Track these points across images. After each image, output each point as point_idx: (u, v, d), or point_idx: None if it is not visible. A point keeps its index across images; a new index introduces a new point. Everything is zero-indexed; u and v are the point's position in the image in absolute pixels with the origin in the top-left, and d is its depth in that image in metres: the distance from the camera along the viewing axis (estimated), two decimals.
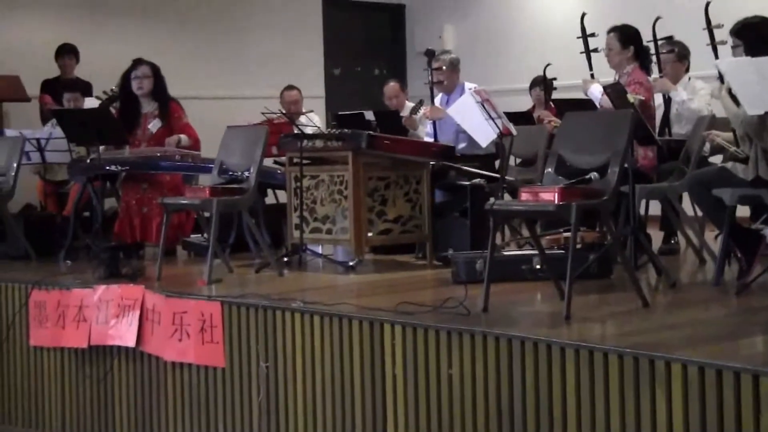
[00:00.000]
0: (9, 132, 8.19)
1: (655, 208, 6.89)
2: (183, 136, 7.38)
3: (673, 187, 6.06)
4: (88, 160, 7.13)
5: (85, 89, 8.71)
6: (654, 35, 6.75)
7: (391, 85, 8.84)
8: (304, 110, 8.97)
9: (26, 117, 9.28)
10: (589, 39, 6.62)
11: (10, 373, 6.34)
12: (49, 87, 9.32)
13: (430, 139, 7.47)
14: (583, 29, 6.63)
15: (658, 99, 6.93)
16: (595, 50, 6.54)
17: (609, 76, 6.59)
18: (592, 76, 6.58)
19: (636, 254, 5.68)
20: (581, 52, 6.63)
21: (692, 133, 6.49)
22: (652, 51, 6.68)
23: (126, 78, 7.46)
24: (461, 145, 7.36)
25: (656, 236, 6.87)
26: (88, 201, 7.49)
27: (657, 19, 6.72)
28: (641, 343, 3.86)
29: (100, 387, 5.85)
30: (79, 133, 7.15)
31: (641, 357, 3.71)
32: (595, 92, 6.41)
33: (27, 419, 6.28)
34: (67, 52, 9.39)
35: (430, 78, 7.47)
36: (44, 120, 9.07)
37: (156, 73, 7.46)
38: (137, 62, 7.49)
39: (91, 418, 5.92)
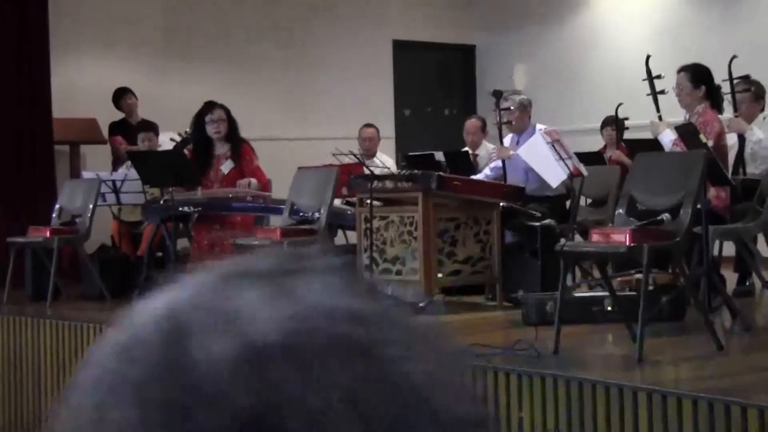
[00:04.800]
0: (86, 174, 8.35)
1: (729, 249, 6.78)
2: (253, 180, 7.41)
3: (747, 227, 5.97)
4: (162, 202, 7.23)
5: (156, 130, 8.86)
6: (730, 74, 6.67)
7: (473, 121, 8.95)
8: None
9: (102, 159, 9.42)
10: (657, 80, 6.54)
11: None
12: (118, 129, 9.42)
13: (485, 177, 7.42)
14: (648, 71, 6.55)
15: (732, 138, 6.83)
16: (662, 92, 6.46)
17: (678, 115, 6.52)
18: (660, 118, 6.51)
19: (710, 296, 5.59)
20: (647, 94, 6.56)
21: (767, 172, 6.39)
22: (727, 90, 6.60)
23: (199, 121, 7.52)
24: (532, 186, 7.31)
25: (730, 278, 6.76)
26: (161, 241, 7.60)
27: (733, 57, 6.65)
28: (716, 388, 3.80)
29: None
30: (153, 175, 7.27)
31: (716, 402, 3.64)
32: (665, 139, 6.30)
33: None
34: (127, 93, 9.46)
35: (498, 118, 7.47)
36: (116, 161, 9.19)
37: (229, 115, 7.51)
38: (210, 105, 7.50)
39: None
